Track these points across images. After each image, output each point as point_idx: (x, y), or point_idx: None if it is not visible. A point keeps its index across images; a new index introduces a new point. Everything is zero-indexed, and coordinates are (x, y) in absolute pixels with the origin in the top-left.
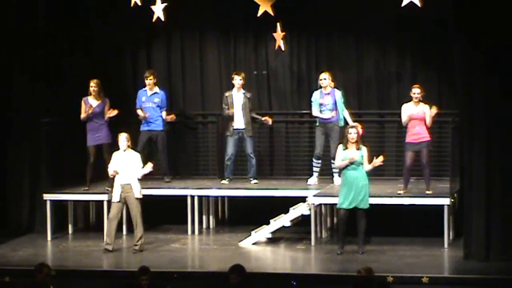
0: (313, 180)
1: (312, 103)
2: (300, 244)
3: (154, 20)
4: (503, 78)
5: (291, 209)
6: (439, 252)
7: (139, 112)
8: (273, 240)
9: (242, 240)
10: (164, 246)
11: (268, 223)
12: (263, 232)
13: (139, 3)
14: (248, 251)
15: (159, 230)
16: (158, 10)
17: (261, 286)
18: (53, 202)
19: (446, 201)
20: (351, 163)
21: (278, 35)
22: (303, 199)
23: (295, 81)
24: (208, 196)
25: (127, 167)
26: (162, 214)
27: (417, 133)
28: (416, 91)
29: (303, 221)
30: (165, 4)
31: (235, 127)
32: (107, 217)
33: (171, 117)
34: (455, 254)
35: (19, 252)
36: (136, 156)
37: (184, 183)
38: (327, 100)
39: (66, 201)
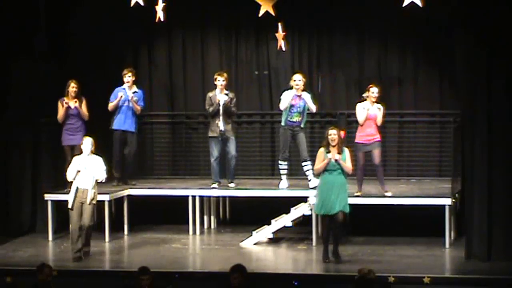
0: (285, 183)
1: (282, 100)
2: (301, 244)
3: (156, 20)
4: (505, 78)
5: (292, 209)
6: (441, 252)
7: (111, 104)
8: (275, 240)
9: (243, 240)
10: (165, 246)
11: (269, 223)
12: (265, 232)
13: (142, 3)
14: (249, 251)
15: (160, 230)
16: (160, 10)
17: (263, 287)
18: (54, 202)
19: (447, 201)
20: (328, 164)
21: (279, 35)
22: (304, 199)
23: None
24: (209, 196)
25: (87, 171)
26: (163, 214)
27: (371, 134)
28: (375, 91)
29: (304, 221)
30: (164, 4)
31: (221, 128)
32: (108, 217)
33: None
34: (457, 254)
35: (20, 252)
36: (98, 161)
37: (185, 183)
38: (298, 102)
39: (67, 201)
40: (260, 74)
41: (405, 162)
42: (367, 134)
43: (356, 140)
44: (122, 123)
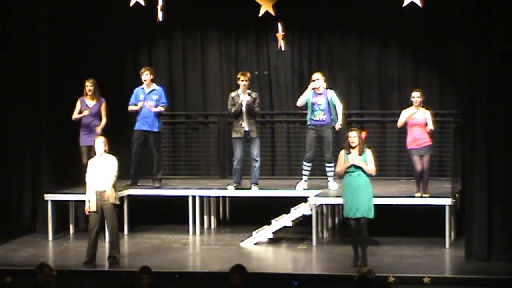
0: (303, 184)
1: (301, 97)
2: (301, 244)
3: (157, 20)
4: (505, 78)
5: (292, 209)
6: (441, 252)
7: (131, 108)
8: (275, 240)
9: (243, 240)
10: (165, 246)
11: (269, 223)
12: (265, 232)
13: (143, 3)
14: (250, 251)
15: (160, 230)
16: (159, 9)
17: (263, 287)
18: (54, 202)
19: (447, 201)
20: (349, 167)
21: (279, 35)
22: (304, 199)
23: (296, 81)
24: (209, 196)
25: (103, 172)
26: (163, 214)
27: (420, 139)
28: (415, 95)
29: (304, 221)
30: (163, 3)
31: (245, 129)
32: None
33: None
34: (457, 254)
35: (21, 252)
36: (113, 161)
37: (186, 183)
38: (320, 100)
39: (67, 201)
40: (260, 74)
41: (405, 162)
42: (415, 139)
43: (408, 147)
44: (143, 123)
